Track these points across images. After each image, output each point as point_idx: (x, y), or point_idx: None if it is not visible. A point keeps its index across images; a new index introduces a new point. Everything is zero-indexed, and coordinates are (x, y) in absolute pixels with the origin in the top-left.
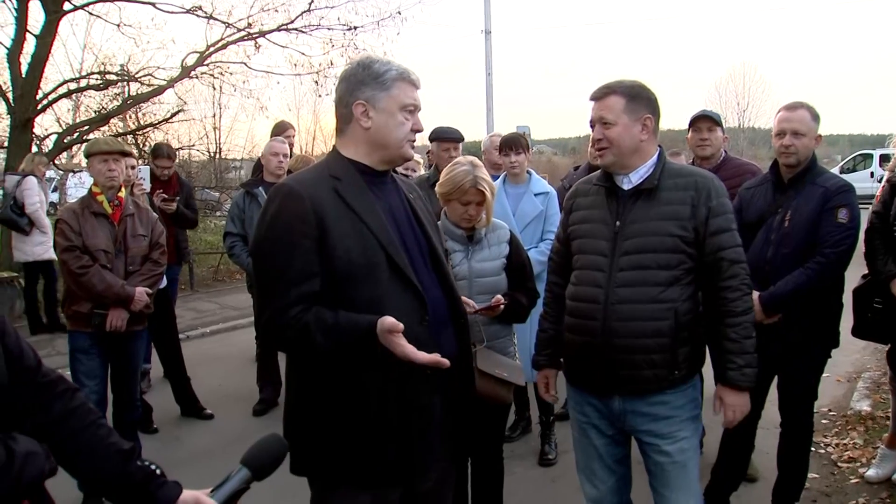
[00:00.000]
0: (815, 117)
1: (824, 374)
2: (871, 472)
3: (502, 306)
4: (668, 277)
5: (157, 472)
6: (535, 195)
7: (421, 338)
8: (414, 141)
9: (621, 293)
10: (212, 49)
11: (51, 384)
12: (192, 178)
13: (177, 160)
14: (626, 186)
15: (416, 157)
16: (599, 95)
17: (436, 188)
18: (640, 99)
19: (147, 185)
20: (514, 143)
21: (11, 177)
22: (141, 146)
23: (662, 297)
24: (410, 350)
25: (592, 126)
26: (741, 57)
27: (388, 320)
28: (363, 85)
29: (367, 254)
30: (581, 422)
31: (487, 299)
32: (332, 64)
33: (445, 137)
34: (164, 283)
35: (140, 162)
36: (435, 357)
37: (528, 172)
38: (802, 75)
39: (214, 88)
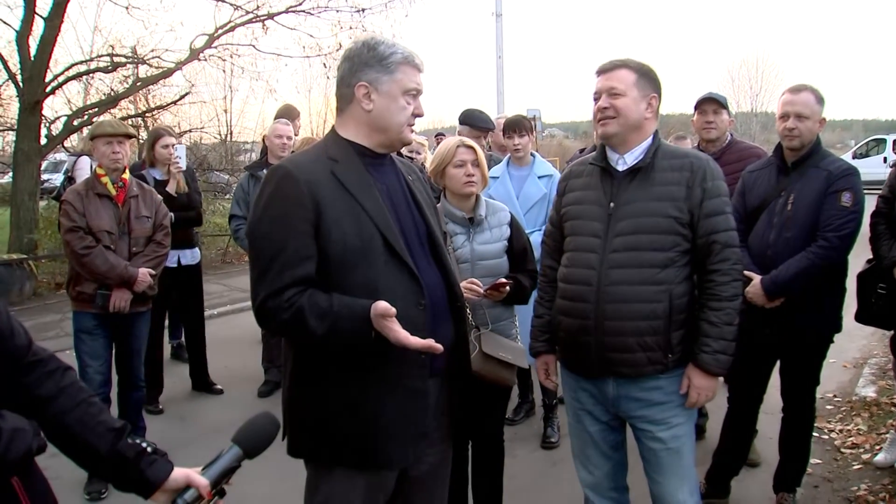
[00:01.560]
0: (820, 100)
1: (830, 360)
2: (879, 458)
3: (508, 288)
4: (662, 259)
5: (149, 449)
6: (539, 178)
7: (417, 322)
8: (413, 125)
9: (615, 275)
10: (220, 31)
11: (41, 363)
12: (203, 161)
13: (183, 142)
14: (620, 167)
15: (422, 138)
16: (609, 68)
17: (428, 171)
18: (648, 77)
19: (183, 164)
20: (518, 126)
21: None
22: (150, 128)
23: (657, 279)
24: (404, 335)
25: (597, 98)
26: (756, 42)
27: (381, 304)
28: (367, 66)
29: (363, 237)
30: (575, 407)
31: (490, 282)
32: (340, 46)
33: (476, 125)
34: (197, 258)
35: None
36: (429, 342)
37: (531, 155)
38: (817, 60)
39: (224, 71)
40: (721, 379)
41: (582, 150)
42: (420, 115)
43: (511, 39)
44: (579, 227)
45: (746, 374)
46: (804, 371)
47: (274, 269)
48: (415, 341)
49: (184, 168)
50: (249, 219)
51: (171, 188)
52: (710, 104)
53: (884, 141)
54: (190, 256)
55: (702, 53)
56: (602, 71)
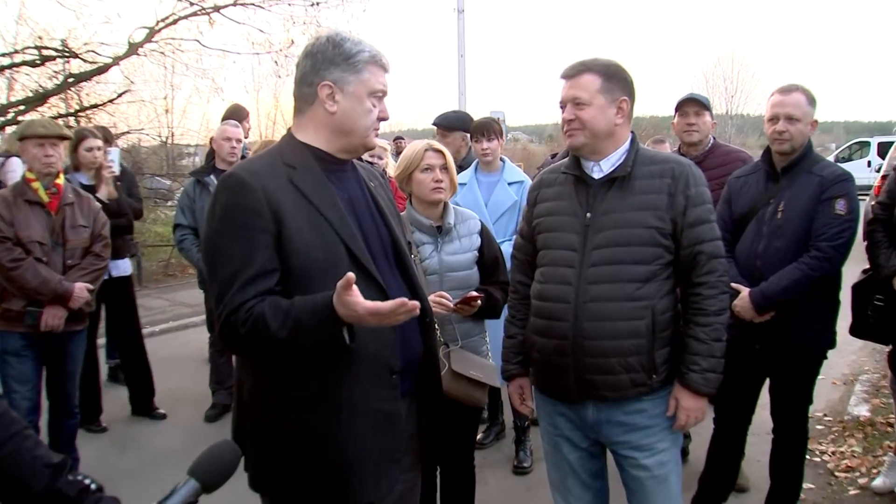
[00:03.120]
0: (811, 101)
1: (819, 377)
2: (878, 482)
3: (479, 302)
4: (644, 273)
5: (92, 486)
6: (509, 184)
7: (385, 339)
8: (378, 129)
9: (593, 290)
10: (161, 24)
11: None
12: (142, 165)
13: (119, 144)
14: (596, 175)
15: (384, 142)
16: (573, 73)
17: (394, 176)
18: (616, 79)
19: (117, 169)
20: (486, 129)
21: None
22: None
23: (638, 295)
24: (371, 304)
25: (563, 107)
26: (731, 40)
27: (338, 283)
28: (332, 65)
29: (326, 248)
30: (552, 434)
31: (459, 295)
32: (292, 43)
33: (446, 126)
34: (129, 271)
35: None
36: (400, 300)
37: (501, 160)
38: (795, 59)
39: (165, 68)
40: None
41: (554, 156)
42: (385, 119)
43: (474, 38)
44: (553, 239)
45: (734, 393)
46: (796, 389)
47: (235, 285)
48: (387, 305)
49: (118, 173)
50: (203, 232)
51: (101, 194)
52: (692, 105)
53: (867, 144)
54: (122, 267)
55: (675, 52)
56: (566, 76)
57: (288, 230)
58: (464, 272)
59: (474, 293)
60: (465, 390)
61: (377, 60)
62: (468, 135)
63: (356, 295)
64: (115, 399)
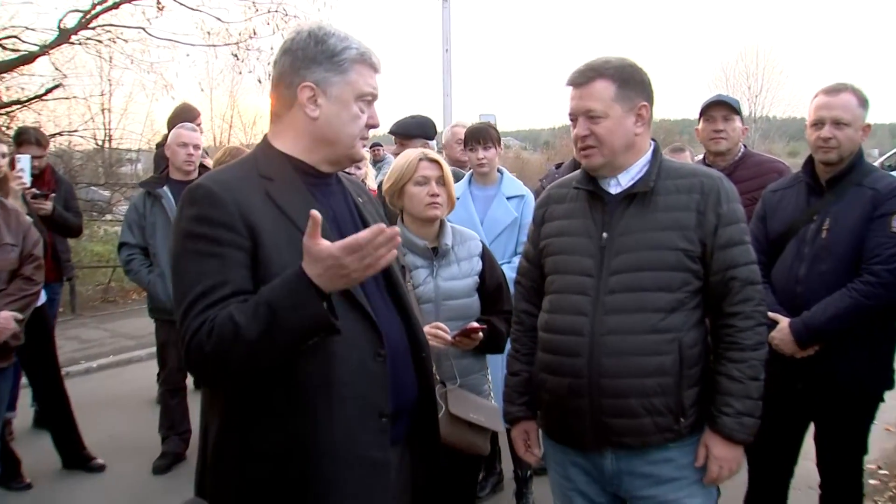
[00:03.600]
0: (863, 102)
1: (873, 422)
2: None
3: (481, 334)
4: (670, 301)
5: None
6: (508, 199)
7: (376, 376)
8: (367, 138)
9: (612, 322)
10: (99, 8)
11: None
12: (76, 173)
13: (50, 148)
14: (613, 190)
15: (364, 151)
16: (582, 80)
17: (383, 190)
18: (632, 83)
19: (27, 179)
20: (482, 136)
21: None
22: (5, 129)
23: (663, 326)
24: (344, 241)
25: (573, 119)
26: (755, 31)
27: (304, 236)
28: (314, 63)
29: None
30: (564, 487)
31: (458, 326)
32: (254, 34)
33: (403, 133)
34: (43, 299)
35: (8, 148)
36: (377, 227)
37: (498, 171)
38: (830, 53)
39: (104, 59)
40: None
41: (558, 166)
42: (375, 126)
43: (461, 32)
44: (565, 263)
45: (772, 441)
46: (846, 437)
47: (202, 306)
48: (361, 235)
49: (28, 184)
50: (170, 250)
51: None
52: (720, 109)
53: None
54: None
55: (690, 47)
56: (574, 84)
57: (265, 249)
58: (463, 300)
59: (475, 324)
60: (464, 436)
61: (366, 59)
62: (431, 142)
63: (321, 241)
64: (43, 449)
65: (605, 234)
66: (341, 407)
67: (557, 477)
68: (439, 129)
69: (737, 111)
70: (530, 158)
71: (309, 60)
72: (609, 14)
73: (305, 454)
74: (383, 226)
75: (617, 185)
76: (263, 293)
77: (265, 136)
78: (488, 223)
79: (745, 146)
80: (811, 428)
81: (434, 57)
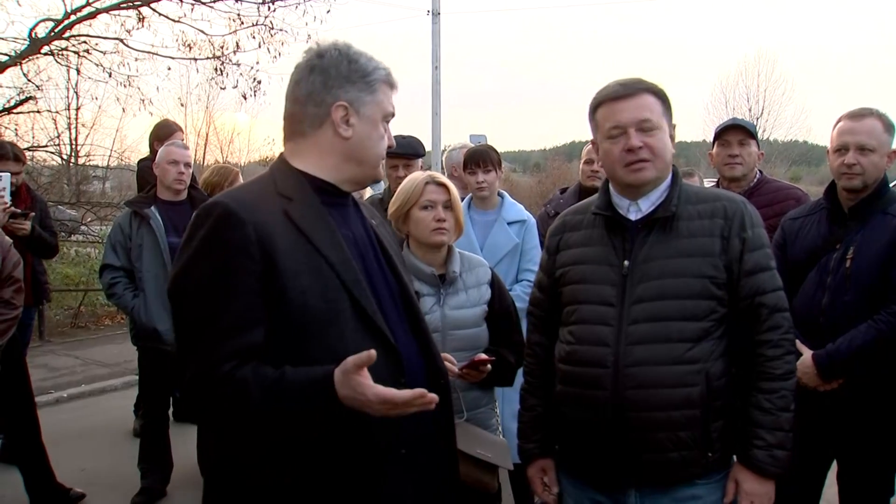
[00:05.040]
0: (889, 128)
1: None
2: None
3: (489, 366)
4: (696, 331)
5: None
6: (509, 224)
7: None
8: (384, 158)
9: (637, 352)
10: (73, 18)
11: None
12: (44, 191)
13: (25, 164)
14: (633, 216)
15: None
16: (631, 92)
17: (388, 213)
18: (667, 103)
19: (7, 198)
20: (482, 158)
21: None
22: None
23: (690, 357)
24: (384, 390)
25: (619, 133)
26: (754, 52)
27: (351, 359)
28: (348, 83)
29: (327, 296)
30: None
31: (466, 357)
32: (238, 47)
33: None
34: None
35: None
36: (419, 391)
37: (499, 195)
38: (839, 69)
39: (77, 72)
40: None
41: (563, 191)
42: (392, 147)
43: (450, 51)
44: (584, 293)
45: (791, 480)
46: (871, 476)
47: (210, 336)
48: (403, 394)
49: (8, 203)
50: (174, 271)
51: None
52: (736, 133)
53: None
54: None
55: (686, 68)
56: (621, 96)
57: (282, 273)
58: (471, 330)
59: (483, 356)
60: (471, 473)
61: (390, 80)
62: (418, 161)
63: (366, 377)
64: (9, 484)
65: (626, 262)
66: (362, 436)
67: None
68: (428, 148)
69: (753, 135)
70: (520, 181)
71: (343, 79)
72: (601, 34)
73: (309, 497)
74: (425, 391)
75: (637, 210)
76: (287, 377)
77: (281, 154)
78: (488, 249)
79: (760, 171)
80: (834, 466)
81: (423, 76)
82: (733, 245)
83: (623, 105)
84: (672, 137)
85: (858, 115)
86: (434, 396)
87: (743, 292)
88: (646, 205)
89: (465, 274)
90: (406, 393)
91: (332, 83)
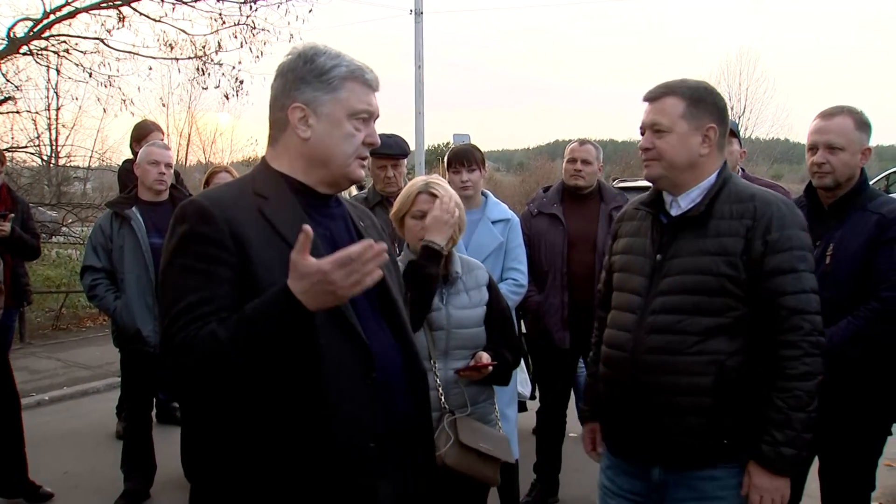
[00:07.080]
0: (861, 125)
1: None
2: None
3: (491, 368)
4: (709, 325)
5: None
6: (493, 223)
7: (366, 400)
8: (366, 158)
9: (652, 341)
10: (52, 17)
11: None
12: (24, 192)
13: (6, 165)
14: (674, 212)
15: None
16: (655, 96)
17: (391, 216)
18: (704, 105)
19: None
20: (466, 157)
21: None
22: None
23: (701, 349)
24: (334, 255)
25: (642, 132)
26: (735, 50)
27: (293, 251)
28: (303, 83)
29: None
30: (610, 492)
31: (465, 355)
32: (220, 47)
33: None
34: None
35: None
36: (367, 242)
37: (483, 195)
38: (819, 71)
39: (55, 70)
40: None
41: (546, 189)
42: (374, 145)
43: (433, 50)
44: (623, 281)
45: None
46: (852, 472)
47: (181, 321)
48: (351, 249)
49: None
50: (161, 264)
51: None
52: None
53: None
54: None
55: (668, 65)
56: (648, 99)
57: (254, 268)
58: (473, 329)
59: (488, 359)
60: (474, 466)
61: (358, 75)
62: (404, 161)
63: (308, 258)
64: None
65: (658, 256)
66: (329, 429)
67: (606, 481)
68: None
69: (735, 133)
70: (504, 180)
71: (298, 81)
72: (584, 33)
73: (284, 482)
74: (372, 241)
75: (677, 207)
76: (246, 309)
77: (263, 157)
78: (473, 248)
79: (742, 169)
80: (815, 462)
81: (406, 75)
82: (755, 246)
83: (647, 108)
84: (707, 139)
85: (829, 113)
86: (382, 245)
87: (762, 293)
88: (685, 202)
89: (465, 276)
90: (355, 247)
91: (289, 86)
